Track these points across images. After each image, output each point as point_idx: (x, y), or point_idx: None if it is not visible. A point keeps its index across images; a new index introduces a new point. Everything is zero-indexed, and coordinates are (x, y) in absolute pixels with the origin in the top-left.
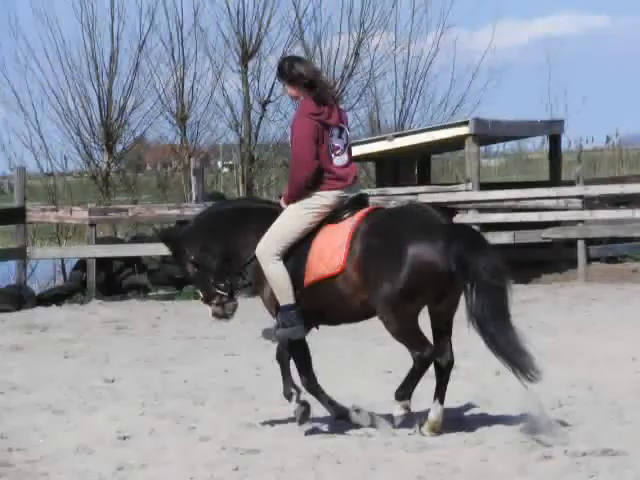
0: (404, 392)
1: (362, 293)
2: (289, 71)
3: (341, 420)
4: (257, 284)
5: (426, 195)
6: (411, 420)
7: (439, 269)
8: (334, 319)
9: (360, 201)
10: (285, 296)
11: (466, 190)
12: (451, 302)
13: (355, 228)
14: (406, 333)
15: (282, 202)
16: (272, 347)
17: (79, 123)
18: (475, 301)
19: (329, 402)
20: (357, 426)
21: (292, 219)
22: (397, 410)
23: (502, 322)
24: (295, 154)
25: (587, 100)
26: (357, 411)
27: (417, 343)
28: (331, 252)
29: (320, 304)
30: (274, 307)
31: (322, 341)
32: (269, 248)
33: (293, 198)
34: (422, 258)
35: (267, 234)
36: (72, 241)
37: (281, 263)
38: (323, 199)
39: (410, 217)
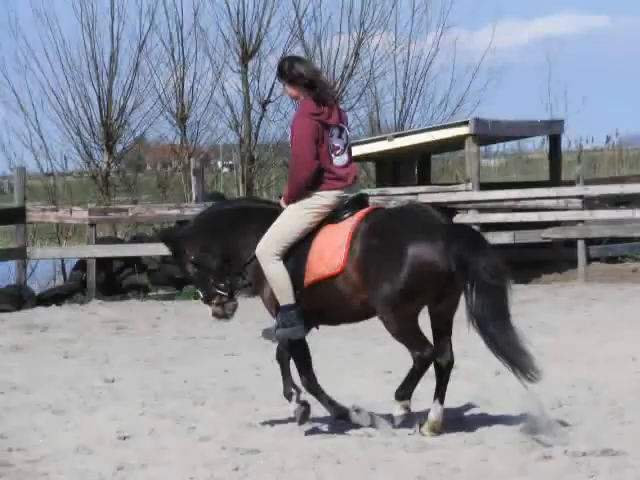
0: (404, 392)
1: (362, 293)
2: (289, 71)
3: (341, 420)
4: (257, 284)
5: (426, 195)
6: (411, 420)
7: (439, 269)
8: (334, 319)
9: (360, 201)
10: (285, 296)
11: (466, 190)
12: (451, 302)
13: (355, 228)
14: (406, 333)
15: (282, 202)
16: (272, 347)
17: (79, 123)
18: (475, 301)
19: (329, 402)
20: (357, 426)
21: (292, 219)
22: (397, 410)
23: (502, 322)
24: (295, 154)
25: (587, 100)
26: (357, 411)
27: (417, 343)
28: (331, 252)
29: (320, 304)
30: (274, 307)
31: (322, 341)
32: (269, 248)
33: (293, 198)
34: (422, 258)
35: (267, 234)
36: (72, 241)
37: (281, 263)
38: (323, 199)
39: (410, 217)
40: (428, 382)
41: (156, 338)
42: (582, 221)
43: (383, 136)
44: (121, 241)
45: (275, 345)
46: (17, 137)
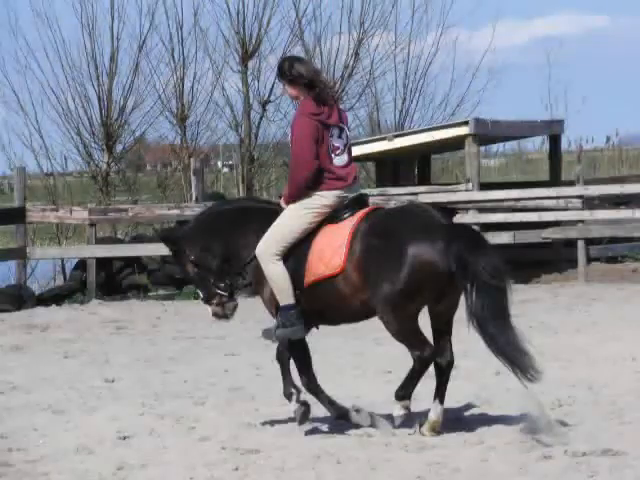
0: (404, 392)
1: (362, 293)
2: (289, 71)
3: (341, 420)
4: (257, 284)
5: (426, 195)
6: (411, 420)
7: (439, 269)
8: (334, 319)
9: (360, 201)
10: (285, 296)
11: (466, 190)
12: (451, 302)
13: (355, 228)
14: (406, 333)
15: (282, 202)
16: (272, 347)
17: (79, 123)
18: (475, 301)
19: (329, 402)
20: (357, 426)
21: (292, 219)
22: (397, 410)
23: (502, 322)
24: (295, 154)
25: (587, 100)
26: (357, 411)
27: (417, 343)
28: (331, 252)
29: (320, 304)
30: (274, 307)
31: (322, 341)
32: (269, 248)
33: (293, 198)
34: (422, 258)
35: (267, 234)
36: (72, 241)
37: (281, 263)
38: (323, 199)
39: (410, 217)
40: (428, 382)
41: (156, 338)
42: (582, 221)
43: (383, 136)
44: (121, 241)
45: (275, 345)
46: (17, 137)
